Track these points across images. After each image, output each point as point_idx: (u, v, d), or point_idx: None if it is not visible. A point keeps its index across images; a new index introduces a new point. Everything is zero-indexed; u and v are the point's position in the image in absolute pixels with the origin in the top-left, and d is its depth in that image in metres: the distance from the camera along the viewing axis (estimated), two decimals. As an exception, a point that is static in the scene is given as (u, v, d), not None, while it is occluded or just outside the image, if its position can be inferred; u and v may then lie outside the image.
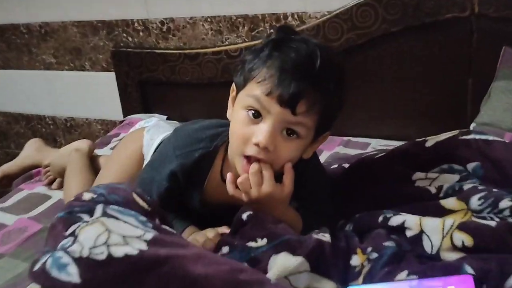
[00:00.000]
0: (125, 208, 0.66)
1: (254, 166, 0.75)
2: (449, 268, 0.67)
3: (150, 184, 0.88)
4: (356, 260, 0.75)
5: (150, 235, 0.61)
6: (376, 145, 1.40)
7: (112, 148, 1.50)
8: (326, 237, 0.75)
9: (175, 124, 1.37)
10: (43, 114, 2.15)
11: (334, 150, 1.37)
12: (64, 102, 2.07)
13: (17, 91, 2.16)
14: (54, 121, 2.14)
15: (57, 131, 2.15)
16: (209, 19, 1.65)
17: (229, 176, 0.79)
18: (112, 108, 1.91)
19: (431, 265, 0.70)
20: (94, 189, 0.69)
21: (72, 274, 0.56)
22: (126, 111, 1.81)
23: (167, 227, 0.67)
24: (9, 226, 1.14)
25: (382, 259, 0.72)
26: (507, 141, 0.93)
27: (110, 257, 0.56)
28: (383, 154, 1.00)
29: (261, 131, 0.73)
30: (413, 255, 0.74)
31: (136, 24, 1.78)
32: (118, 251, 0.57)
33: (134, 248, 0.58)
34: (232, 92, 0.83)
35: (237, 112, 0.78)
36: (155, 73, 1.70)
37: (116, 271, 0.56)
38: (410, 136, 1.15)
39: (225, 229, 0.81)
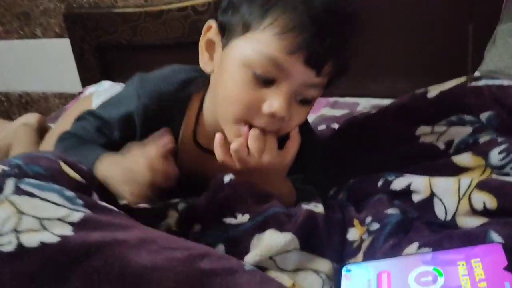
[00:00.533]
0: (48, 182, 0.50)
1: (256, 130, 0.62)
2: (471, 237, 0.58)
3: (88, 127, 0.72)
4: (353, 233, 0.66)
5: (78, 215, 0.47)
6: (367, 104, 1.31)
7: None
8: (318, 207, 0.65)
9: None
10: (-6, 90, 2.06)
11: (320, 113, 1.27)
12: (16, 75, 1.95)
13: (-37, 66, 2.04)
14: (8, 97, 2.02)
15: (11, 108, 2.03)
16: (172, -30, 1.53)
17: (218, 137, 0.63)
18: (70, 79, 1.79)
19: (447, 234, 0.61)
20: (8, 160, 0.54)
21: (-29, 273, 0.43)
22: (85, 81, 1.69)
23: (106, 204, 0.51)
24: None
25: (385, 230, 0.63)
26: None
27: (20, 248, 0.43)
28: (377, 111, 0.88)
29: (278, 98, 0.60)
30: (422, 223, 0.65)
31: (90, -19, 1.66)
32: (32, 240, 0.44)
33: (54, 234, 0.44)
34: (209, 31, 0.66)
35: (232, 67, 0.62)
36: (114, 36, 1.59)
37: (29, 267, 0.42)
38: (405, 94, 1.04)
39: (166, 141, 0.62)
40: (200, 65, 0.67)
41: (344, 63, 0.63)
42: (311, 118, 1.21)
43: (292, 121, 0.64)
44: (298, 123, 0.65)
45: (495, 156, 0.67)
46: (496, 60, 1.05)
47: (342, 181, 0.77)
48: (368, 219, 0.66)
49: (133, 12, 1.53)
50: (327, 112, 1.28)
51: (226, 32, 0.63)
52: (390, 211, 0.65)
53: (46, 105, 1.94)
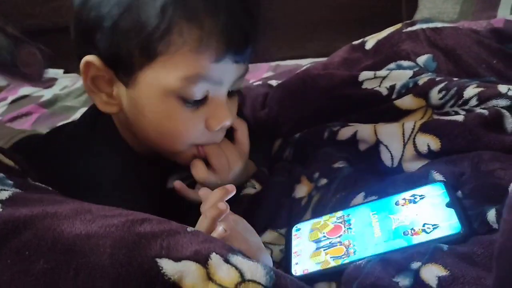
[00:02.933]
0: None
1: (213, 148, 0.61)
2: (414, 179, 0.58)
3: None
4: (300, 190, 0.65)
5: (6, 193, 0.43)
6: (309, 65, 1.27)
7: (-1, 115, 1.31)
8: (256, 187, 0.66)
9: None
10: None
11: (262, 77, 1.25)
12: None
13: None
14: None
15: None
16: None
17: (179, 186, 0.61)
18: (-3, 71, 1.64)
19: (391, 180, 0.61)
20: None
21: None
22: (13, 71, 1.57)
23: (40, 184, 0.49)
24: None
25: (333, 184, 0.63)
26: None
27: None
28: (318, 65, 0.87)
29: (221, 111, 0.57)
30: (370, 173, 0.64)
31: (1, -40, 1.54)
32: (-44, 221, 0.40)
33: (-19, 213, 0.41)
34: (89, 69, 0.55)
35: (155, 103, 0.54)
36: (37, 19, 1.51)
37: None
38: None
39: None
40: (98, 107, 0.58)
41: (258, 35, 0.57)
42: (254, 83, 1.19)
43: (233, 115, 0.61)
44: (236, 112, 0.62)
45: (435, 95, 0.67)
46: (430, 6, 1.06)
47: (287, 134, 0.74)
48: (316, 174, 0.65)
49: (54, -10, 1.45)
50: (269, 76, 1.25)
51: (116, 66, 0.54)
52: (337, 164, 0.65)
53: (-25, 101, 1.80)
